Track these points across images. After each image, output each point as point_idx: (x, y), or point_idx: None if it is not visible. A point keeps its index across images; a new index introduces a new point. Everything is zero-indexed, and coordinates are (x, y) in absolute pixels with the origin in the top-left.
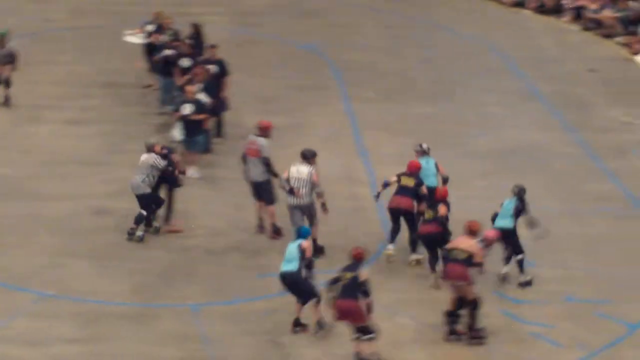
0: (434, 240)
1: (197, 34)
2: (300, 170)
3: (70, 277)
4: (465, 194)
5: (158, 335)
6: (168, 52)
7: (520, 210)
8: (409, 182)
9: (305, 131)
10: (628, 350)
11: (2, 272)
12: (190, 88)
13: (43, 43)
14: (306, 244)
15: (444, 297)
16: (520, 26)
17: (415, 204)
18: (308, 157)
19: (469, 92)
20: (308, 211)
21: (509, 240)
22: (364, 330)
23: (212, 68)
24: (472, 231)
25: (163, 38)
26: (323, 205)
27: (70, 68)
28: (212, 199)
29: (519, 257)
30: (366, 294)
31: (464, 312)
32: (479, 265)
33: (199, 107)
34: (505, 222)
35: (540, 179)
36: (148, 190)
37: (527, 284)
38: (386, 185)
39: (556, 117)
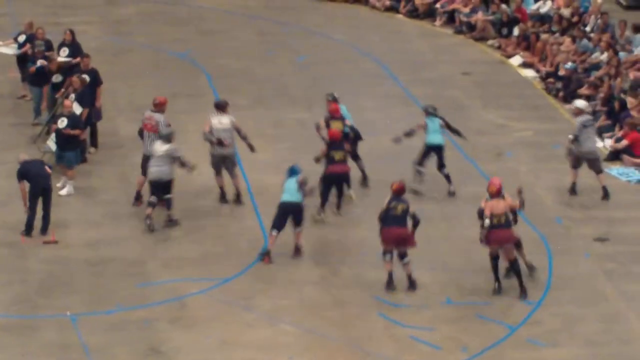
0: (344, 179)
1: (72, 42)
2: (222, 121)
3: None
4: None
5: (39, 347)
6: (41, 62)
7: (446, 123)
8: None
9: (179, 138)
10: (509, 351)
11: None
12: (67, 102)
13: None
14: (301, 178)
15: (324, 302)
16: (393, 31)
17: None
18: (223, 106)
19: (344, 98)
20: (231, 161)
21: (441, 153)
22: (406, 254)
23: (86, 78)
24: (496, 193)
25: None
26: (250, 146)
27: None
28: (88, 209)
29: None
30: (416, 221)
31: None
32: (517, 212)
33: (74, 122)
34: (436, 138)
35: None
36: None
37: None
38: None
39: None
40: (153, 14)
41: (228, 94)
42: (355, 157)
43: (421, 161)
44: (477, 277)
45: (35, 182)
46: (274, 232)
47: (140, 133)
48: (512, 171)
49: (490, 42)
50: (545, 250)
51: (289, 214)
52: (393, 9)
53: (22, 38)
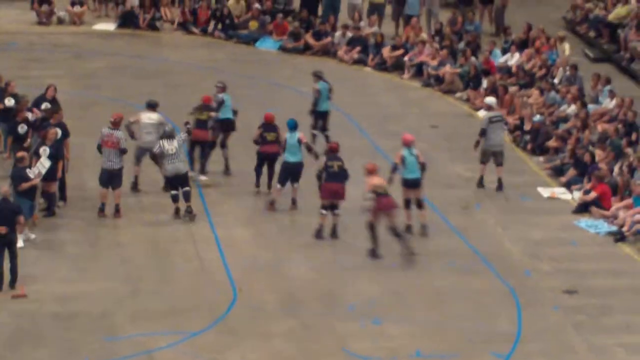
0: (275, 158)
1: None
2: (151, 117)
3: None
4: (311, 252)
5: None
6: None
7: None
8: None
9: (145, 191)
10: None
11: None
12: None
13: None
14: (301, 134)
15: (294, 355)
16: (361, 84)
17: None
18: (154, 106)
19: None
20: (152, 153)
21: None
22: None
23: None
24: (373, 170)
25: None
26: (188, 131)
27: None
28: (56, 262)
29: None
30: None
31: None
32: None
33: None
34: (325, 105)
35: (385, 235)
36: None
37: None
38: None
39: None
40: (121, 67)
41: (197, 148)
42: (223, 146)
43: (315, 125)
44: (447, 329)
45: None
46: (279, 186)
47: (99, 149)
48: (481, 224)
49: (458, 94)
50: (514, 303)
51: (291, 173)
52: (361, 61)
53: None
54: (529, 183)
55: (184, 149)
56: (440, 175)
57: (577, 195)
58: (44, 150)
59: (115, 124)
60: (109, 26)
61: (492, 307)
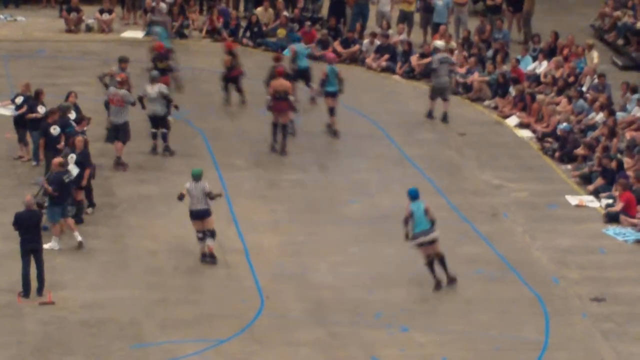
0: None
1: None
2: (154, 89)
3: None
4: (339, 260)
5: None
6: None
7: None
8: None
9: (175, 200)
10: None
11: None
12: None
13: None
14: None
15: None
16: (389, 91)
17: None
18: (156, 79)
19: (339, 158)
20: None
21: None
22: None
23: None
24: (281, 73)
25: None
26: (175, 106)
27: None
28: (84, 270)
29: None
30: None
31: None
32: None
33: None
34: (304, 62)
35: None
36: None
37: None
38: None
39: (427, 181)
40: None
41: (224, 155)
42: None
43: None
44: (475, 337)
45: (24, 239)
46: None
47: (107, 105)
48: (508, 232)
49: (486, 102)
50: (541, 311)
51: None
52: (389, 69)
53: (19, 100)
54: (557, 191)
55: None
56: (468, 183)
57: (605, 203)
58: (71, 158)
59: (121, 84)
60: (137, 34)
61: (519, 315)
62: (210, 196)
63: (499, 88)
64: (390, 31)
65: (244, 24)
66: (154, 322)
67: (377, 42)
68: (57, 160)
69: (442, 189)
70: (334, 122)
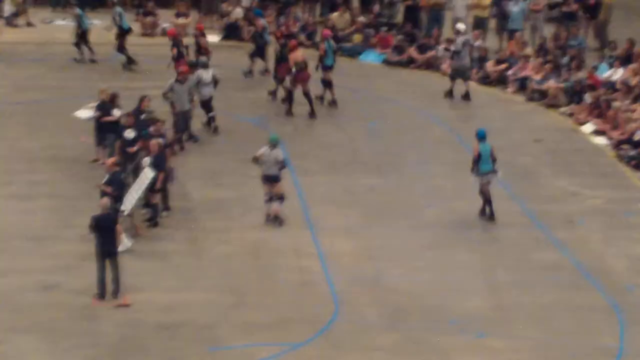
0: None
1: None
2: (208, 74)
3: (15, 352)
4: (415, 265)
5: None
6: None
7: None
8: None
9: (251, 204)
10: None
11: None
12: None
13: None
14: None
15: None
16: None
17: None
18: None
19: (415, 164)
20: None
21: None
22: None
23: (161, 141)
24: (296, 45)
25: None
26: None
27: (13, 143)
28: (160, 273)
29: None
30: None
31: None
32: None
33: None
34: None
35: (489, 249)
36: None
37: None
38: None
39: (503, 188)
40: (224, 79)
41: (300, 160)
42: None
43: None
44: (550, 344)
45: (100, 242)
46: None
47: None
48: (584, 239)
49: (562, 109)
50: (617, 319)
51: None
52: None
53: (96, 103)
54: (632, 199)
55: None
56: (543, 189)
57: None
58: (146, 161)
59: (180, 74)
60: (213, 38)
61: (594, 323)
62: (282, 165)
63: (575, 95)
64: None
65: (320, 29)
66: (230, 326)
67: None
68: (112, 160)
69: (517, 195)
70: (333, 93)
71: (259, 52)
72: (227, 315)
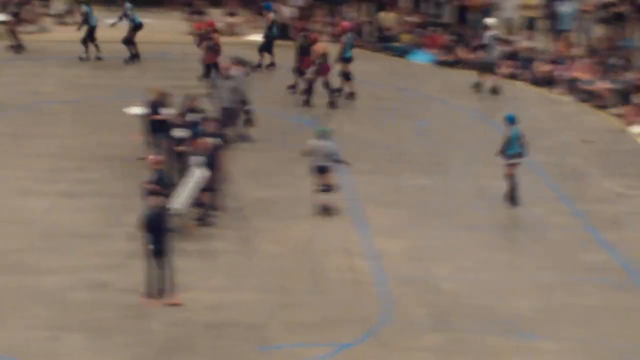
0: None
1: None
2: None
3: (64, 351)
4: (461, 265)
5: None
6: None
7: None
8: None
9: (301, 203)
10: None
11: None
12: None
13: (34, 116)
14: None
15: None
16: (513, 97)
17: None
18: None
19: (463, 164)
20: None
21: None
22: None
23: (213, 140)
24: (316, 38)
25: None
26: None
27: (63, 141)
28: (210, 272)
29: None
30: None
31: None
32: None
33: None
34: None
35: (536, 250)
36: None
37: None
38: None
39: (551, 188)
40: (273, 78)
41: (349, 159)
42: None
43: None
44: (597, 346)
45: (150, 241)
46: None
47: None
48: (632, 239)
49: (611, 110)
50: None
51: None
52: (513, 75)
53: (147, 102)
54: None
55: None
56: (591, 190)
57: None
58: (196, 160)
59: (227, 76)
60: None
61: None
62: (332, 158)
63: (624, 96)
64: (515, 37)
65: (368, 28)
66: (279, 325)
67: (502, 48)
68: (155, 158)
69: (565, 195)
70: (352, 86)
71: (267, 46)
72: (275, 314)
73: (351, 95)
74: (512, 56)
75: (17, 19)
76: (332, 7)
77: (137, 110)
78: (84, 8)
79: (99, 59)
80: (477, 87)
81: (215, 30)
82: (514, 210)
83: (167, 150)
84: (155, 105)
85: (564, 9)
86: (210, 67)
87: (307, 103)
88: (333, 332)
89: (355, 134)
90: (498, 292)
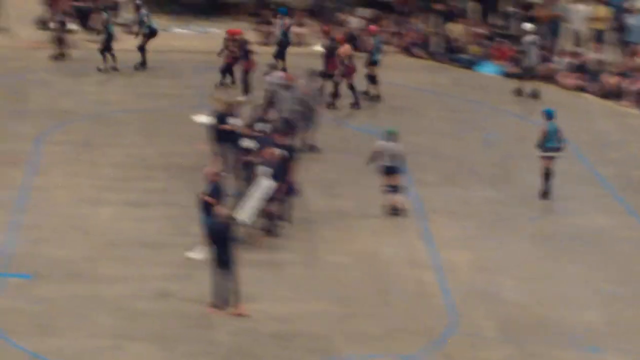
0: None
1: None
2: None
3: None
4: (527, 277)
5: None
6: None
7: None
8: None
9: (368, 214)
10: None
11: (56, 353)
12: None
13: (101, 125)
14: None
15: None
16: (581, 110)
17: None
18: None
19: (530, 176)
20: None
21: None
22: None
23: (281, 152)
24: (343, 40)
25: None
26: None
27: (130, 150)
28: (276, 282)
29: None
30: None
31: None
32: None
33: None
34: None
35: (603, 262)
36: None
37: None
38: None
39: (618, 201)
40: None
41: (416, 171)
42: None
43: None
44: None
45: (215, 251)
46: None
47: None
48: None
49: None
50: None
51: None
52: (581, 87)
53: (213, 112)
54: None
55: None
56: None
57: None
58: (263, 171)
59: (288, 87)
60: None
61: None
62: (398, 157)
63: None
64: (583, 49)
65: (435, 39)
66: (345, 336)
67: (570, 59)
68: (211, 169)
69: (632, 208)
70: (377, 89)
71: (280, 53)
72: (341, 325)
73: (377, 98)
74: (580, 68)
75: (63, 28)
76: (399, 18)
77: (204, 119)
78: (104, 15)
79: (114, 69)
80: (518, 93)
81: (234, 40)
82: (579, 222)
83: (234, 161)
84: (222, 115)
85: (633, 21)
86: (226, 72)
87: (331, 105)
88: (397, 343)
89: (425, 146)
90: (565, 304)
